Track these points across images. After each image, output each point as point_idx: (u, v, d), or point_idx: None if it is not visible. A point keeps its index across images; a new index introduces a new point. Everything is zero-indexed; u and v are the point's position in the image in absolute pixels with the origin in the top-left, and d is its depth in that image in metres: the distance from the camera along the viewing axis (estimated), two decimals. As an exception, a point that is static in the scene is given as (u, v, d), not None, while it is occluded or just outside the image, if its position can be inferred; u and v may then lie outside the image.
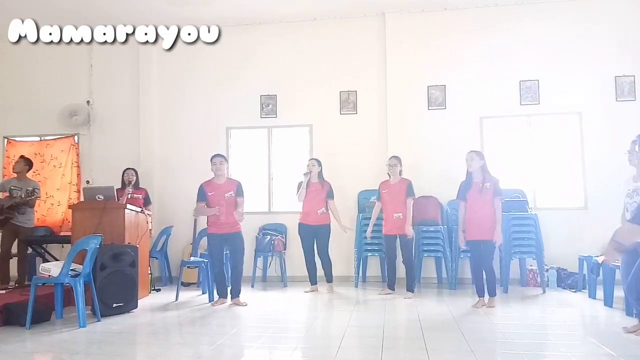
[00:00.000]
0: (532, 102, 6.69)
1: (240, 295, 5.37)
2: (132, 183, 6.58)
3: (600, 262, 5.14)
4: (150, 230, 6.14)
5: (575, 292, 5.89)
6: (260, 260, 6.85)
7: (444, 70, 6.91)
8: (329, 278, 6.07)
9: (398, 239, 5.73)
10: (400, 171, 5.84)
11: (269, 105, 7.29)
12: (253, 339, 4.01)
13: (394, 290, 5.81)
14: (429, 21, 6.96)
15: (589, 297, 5.50)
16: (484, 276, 5.03)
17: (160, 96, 7.50)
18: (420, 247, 6.30)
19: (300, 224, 6.11)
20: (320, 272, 6.10)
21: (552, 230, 6.22)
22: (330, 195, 6.06)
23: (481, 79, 6.80)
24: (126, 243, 5.16)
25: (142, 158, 7.29)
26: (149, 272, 5.99)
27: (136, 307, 5.00)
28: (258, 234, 6.83)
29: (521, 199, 6.31)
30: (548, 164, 6.72)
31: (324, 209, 6.01)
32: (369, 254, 6.57)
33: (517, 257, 6.19)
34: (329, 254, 6.05)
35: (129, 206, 5.49)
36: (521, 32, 6.74)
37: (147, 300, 5.56)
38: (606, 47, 6.53)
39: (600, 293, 5.28)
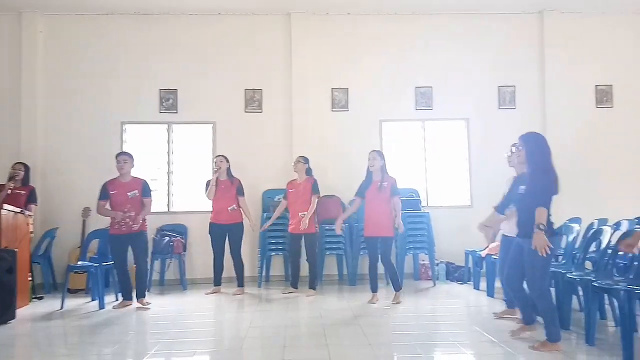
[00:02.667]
0: (426, 107, 7.13)
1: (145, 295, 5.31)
2: (17, 179, 5.90)
3: (483, 255, 5.62)
4: (32, 232, 5.59)
5: (462, 284, 6.38)
6: (157, 263, 6.53)
7: (347, 73, 7.11)
8: (240, 282, 5.96)
9: (303, 238, 5.79)
10: (307, 170, 5.91)
11: (169, 99, 6.97)
12: (148, 346, 3.81)
13: (297, 288, 5.87)
14: (333, 24, 7.12)
15: (474, 288, 5.99)
16: (388, 272, 5.26)
17: (47, 84, 6.82)
18: (322, 246, 6.43)
19: (211, 224, 5.96)
20: (228, 274, 5.97)
21: (442, 227, 6.68)
22: (240, 191, 5.97)
23: (381, 84, 7.10)
24: (2, 247, 4.66)
25: (24, 150, 6.56)
26: (30, 278, 5.43)
27: (14, 317, 4.52)
28: (156, 235, 6.49)
29: (415, 197, 6.69)
30: (439, 165, 7.21)
31: (234, 206, 5.91)
32: (273, 253, 6.56)
33: (411, 253, 6.57)
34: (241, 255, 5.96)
35: (5, 206, 4.94)
36: (416, 41, 7.14)
37: (27, 310, 5.04)
38: (491, 59, 7.14)
39: (483, 284, 5.78)
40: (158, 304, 5.39)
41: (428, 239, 6.47)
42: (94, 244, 5.77)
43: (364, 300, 5.31)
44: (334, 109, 7.09)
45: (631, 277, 3.62)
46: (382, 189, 5.20)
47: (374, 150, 5.41)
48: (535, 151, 3.59)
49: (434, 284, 6.30)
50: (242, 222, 5.96)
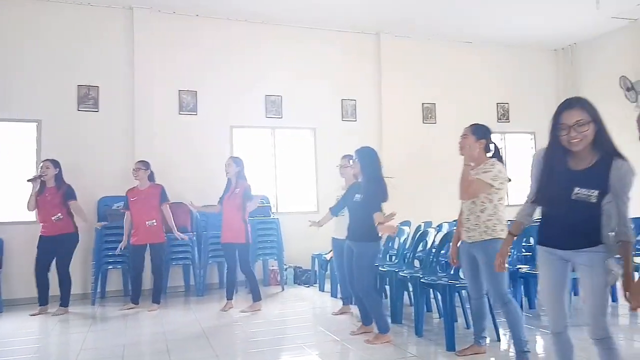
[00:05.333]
0: (276, 115, 7.26)
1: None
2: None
3: (328, 258, 5.90)
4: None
5: (308, 287, 6.61)
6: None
7: (196, 76, 6.88)
8: (64, 301, 5.29)
9: (148, 248, 5.42)
10: (150, 176, 5.56)
11: (-18, 92, 5.95)
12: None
13: (138, 304, 5.45)
14: (181, 24, 6.83)
15: (319, 290, 6.25)
16: (247, 281, 5.27)
17: None
18: (168, 256, 6.09)
19: (40, 237, 5.25)
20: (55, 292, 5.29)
21: (290, 232, 6.85)
22: (69, 196, 5.32)
23: (232, 89, 7.02)
24: None
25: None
26: None
27: None
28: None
29: (265, 204, 6.76)
30: (288, 172, 7.40)
31: (60, 215, 5.24)
32: (110, 267, 6.00)
33: (261, 259, 6.60)
34: (70, 270, 5.30)
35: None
36: (267, 50, 7.23)
37: None
38: (335, 73, 7.56)
39: (328, 286, 6.06)
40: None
41: (277, 244, 6.58)
42: None
43: (213, 311, 5.17)
44: (181, 112, 6.80)
45: (452, 272, 4.14)
46: (233, 196, 5.16)
47: (230, 157, 5.40)
48: (368, 163, 3.99)
49: (283, 289, 6.42)
50: (72, 233, 5.32)
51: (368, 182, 3.94)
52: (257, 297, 5.23)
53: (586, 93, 7.61)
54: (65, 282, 5.28)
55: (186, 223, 6.30)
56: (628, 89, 7.33)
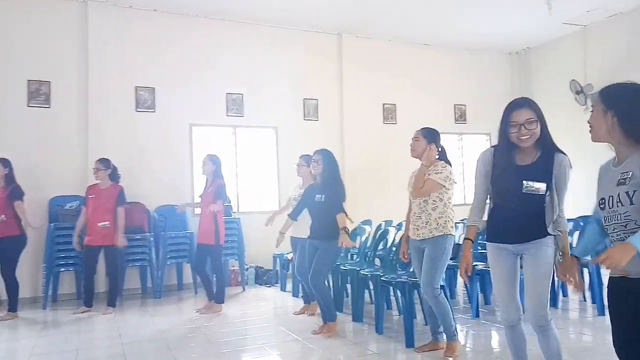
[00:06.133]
0: (237, 114, 7.17)
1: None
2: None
3: (290, 258, 5.88)
4: None
5: (270, 286, 6.57)
6: None
7: (154, 73, 6.69)
8: (12, 306, 5.02)
9: (102, 250, 5.24)
10: (113, 175, 5.38)
11: None
12: None
13: (92, 307, 5.24)
14: (138, 19, 6.62)
15: (281, 290, 6.23)
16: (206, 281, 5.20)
17: None
18: (124, 257, 5.90)
19: None
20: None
21: (252, 232, 6.77)
22: (14, 196, 5.01)
23: (191, 86, 6.88)
24: None
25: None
26: None
27: None
28: None
29: (227, 204, 6.65)
30: (250, 171, 7.32)
31: (2, 216, 4.94)
32: (62, 269, 5.77)
33: (222, 259, 6.49)
34: (16, 273, 5.03)
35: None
36: (228, 47, 7.12)
37: None
38: (297, 72, 7.52)
39: (289, 286, 6.04)
40: None
41: (238, 244, 6.50)
42: None
43: (172, 314, 5.06)
44: (138, 109, 6.61)
45: (411, 270, 4.20)
46: (205, 195, 5.14)
47: (207, 155, 5.30)
48: (330, 165, 4.16)
49: (244, 289, 6.35)
50: (16, 236, 4.99)
51: (330, 182, 4.09)
52: (219, 299, 5.16)
53: (539, 95, 7.93)
54: (11, 286, 5.02)
55: (143, 223, 6.13)
56: (577, 93, 7.66)
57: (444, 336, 3.53)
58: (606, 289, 1.94)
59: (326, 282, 4.37)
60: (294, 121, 7.50)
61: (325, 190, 4.09)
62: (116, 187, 5.38)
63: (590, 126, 1.95)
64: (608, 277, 1.92)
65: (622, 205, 1.80)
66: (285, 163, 7.32)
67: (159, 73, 6.72)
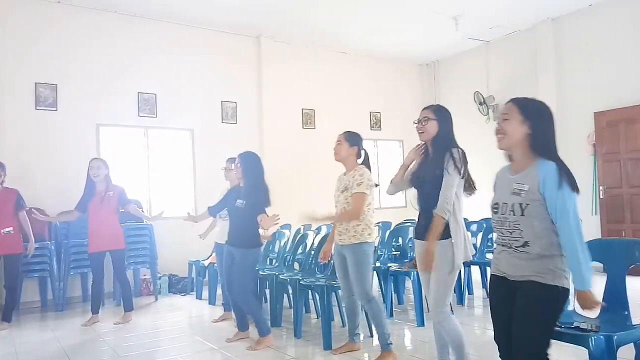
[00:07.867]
0: (150, 114, 6.85)
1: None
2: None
3: (206, 264, 5.71)
4: None
5: (184, 295, 6.32)
6: None
7: (57, 68, 6.19)
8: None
9: (2, 260, 4.77)
10: (3, 180, 4.89)
11: None
12: None
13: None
14: (38, 10, 6.10)
15: (197, 298, 6.02)
16: (122, 289, 4.95)
17: None
18: (21, 267, 5.37)
19: None
20: None
21: (164, 239, 6.49)
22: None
23: (99, 85, 6.45)
24: None
25: None
26: None
27: None
28: None
29: (137, 209, 6.31)
30: (163, 175, 7.01)
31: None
32: (-55, 283, 5.14)
33: (131, 268, 6.14)
34: None
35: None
36: (140, 45, 6.79)
37: None
38: (214, 74, 7.36)
39: (206, 293, 5.86)
40: None
41: (150, 252, 6.20)
42: None
43: (75, 328, 4.69)
44: (38, 107, 6.08)
45: (329, 274, 4.26)
46: (107, 199, 4.80)
47: (96, 159, 5.04)
48: (250, 169, 3.96)
49: (156, 299, 6.06)
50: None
51: (251, 188, 3.91)
52: (129, 307, 4.93)
53: (446, 105, 8.35)
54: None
55: (43, 231, 5.65)
56: (480, 104, 8.26)
57: (361, 337, 3.60)
58: (488, 283, 2.18)
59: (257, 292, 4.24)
60: (212, 124, 7.32)
61: (247, 197, 3.90)
62: (11, 191, 4.91)
63: (501, 133, 2.06)
64: (490, 274, 2.18)
65: (514, 215, 1.98)
66: (202, 166, 7.12)
67: (62, 68, 6.24)
